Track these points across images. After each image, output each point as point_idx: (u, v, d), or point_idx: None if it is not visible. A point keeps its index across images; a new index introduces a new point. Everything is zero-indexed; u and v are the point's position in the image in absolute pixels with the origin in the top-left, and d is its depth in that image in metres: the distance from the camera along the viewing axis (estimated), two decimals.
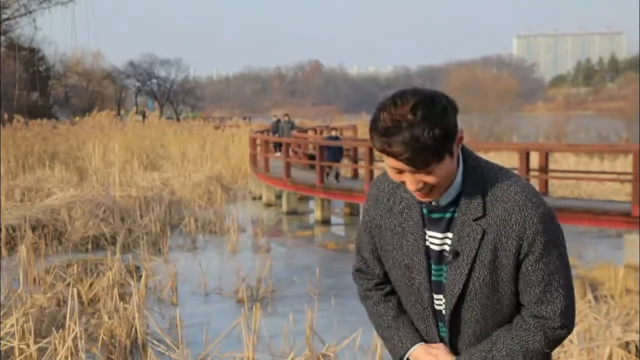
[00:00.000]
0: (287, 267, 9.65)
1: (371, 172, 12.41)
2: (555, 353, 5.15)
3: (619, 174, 13.02)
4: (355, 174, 16.08)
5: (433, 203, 1.76)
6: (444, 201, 1.74)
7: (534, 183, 11.16)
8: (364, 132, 28.77)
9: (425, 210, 1.78)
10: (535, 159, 13.41)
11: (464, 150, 1.75)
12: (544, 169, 11.71)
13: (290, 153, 17.20)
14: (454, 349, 1.81)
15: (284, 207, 14.89)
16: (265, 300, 7.83)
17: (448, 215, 1.75)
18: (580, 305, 5.99)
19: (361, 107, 69.42)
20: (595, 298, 6.62)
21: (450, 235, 1.76)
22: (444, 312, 1.80)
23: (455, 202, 1.74)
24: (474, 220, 1.71)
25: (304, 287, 8.14)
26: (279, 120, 22.83)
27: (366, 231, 1.92)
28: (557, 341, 1.80)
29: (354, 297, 7.52)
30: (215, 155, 22.43)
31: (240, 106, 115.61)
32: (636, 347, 5.06)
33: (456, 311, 1.77)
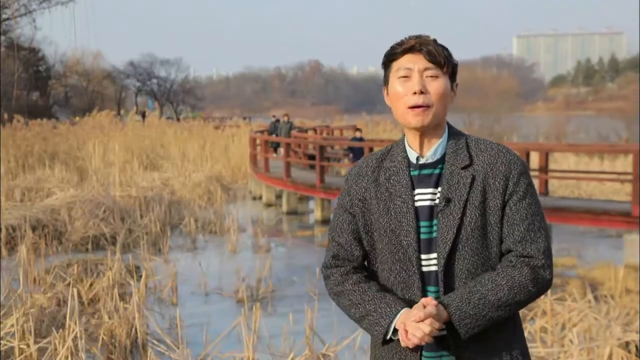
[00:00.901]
0: (287, 267, 9.65)
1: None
2: (555, 353, 5.15)
3: (619, 174, 13.02)
4: None
5: (422, 161, 1.85)
6: (432, 157, 1.85)
7: (534, 183, 11.14)
8: (364, 132, 28.76)
9: (415, 172, 1.86)
10: (535, 159, 13.43)
11: (448, 123, 1.91)
12: (544, 168, 11.71)
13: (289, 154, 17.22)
14: None
15: (284, 207, 14.89)
16: (265, 300, 7.83)
17: (437, 171, 1.85)
18: (580, 305, 5.99)
19: (361, 107, 69.44)
20: (595, 298, 6.61)
21: (437, 190, 1.83)
22: (435, 268, 1.80)
23: (442, 160, 1.86)
24: (462, 168, 1.83)
25: (304, 287, 8.14)
26: (277, 121, 22.78)
27: (345, 213, 1.94)
28: (541, 283, 1.79)
29: None
30: (215, 155, 22.43)
31: (240, 106, 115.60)
32: (636, 347, 5.06)
33: (448, 264, 1.79)
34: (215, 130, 29.51)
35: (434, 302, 1.74)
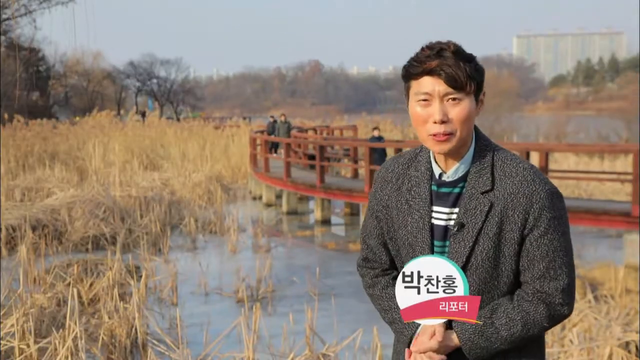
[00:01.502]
0: (287, 267, 9.65)
1: (371, 172, 12.40)
2: (555, 353, 5.14)
3: (619, 174, 13.02)
4: (356, 174, 16.08)
5: (443, 178, 1.80)
6: (453, 176, 1.79)
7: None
8: (364, 132, 28.77)
9: (434, 187, 1.81)
10: (535, 159, 13.42)
11: (477, 130, 1.81)
12: (544, 169, 11.69)
13: (289, 154, 17.19)
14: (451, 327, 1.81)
15: (284, 207, 14.89)
16: (265, 300, 7.83)
17: (457, 190, 1.79)
18: (580, 305, 5.99)
19: (361, 107, 69.39)
20: (595, 298, 6.62)
21: (454, 210, 1.78)
22: None
23: (464, 178, 1.79)
24: (482, 193, 1.75)
25: (304, 287, 8.14)
26: (275, 121, 22.67)
27: (372, 216, 1.94)
28: (558, 318, 1.79)
29: (354, 297, 7.53)
30: (215, 155, 22.42)
31: (240, 106, 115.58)
32: (636, 347, 5.06)
33: None
34: (215, 130, 29.49)
35: (441, 331, 1.75)
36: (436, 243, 1.80)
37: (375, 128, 15.97)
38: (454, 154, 1.78)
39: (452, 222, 1.78)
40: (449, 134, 1.72)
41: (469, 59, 1.73)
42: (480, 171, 1.77)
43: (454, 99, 1.71)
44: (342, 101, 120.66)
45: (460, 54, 1.72)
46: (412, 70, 1.74)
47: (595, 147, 18.03)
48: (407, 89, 1.79)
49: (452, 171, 1.79)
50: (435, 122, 1.72)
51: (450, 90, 1.70)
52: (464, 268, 1.75)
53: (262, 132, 22.43)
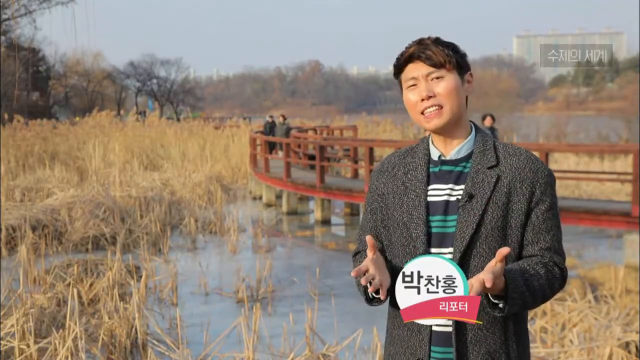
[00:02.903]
0: (287, 267, 9.65)
1: (371, 172, 12.39)
2: (555, 353, 5.15)
3: (619, 174, 13.02)
4: (356, 174, 16.08)
5: (444, 158, 1.87)
6: (456, 155, 1.87)
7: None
8: (364, 132, 28.78)
9: (434, 169, 1.88)
10: None
11: (476, 125, 1.93)
12: None
13: (289, 154, 17.19)
14: None
15: (284, 207, 14.89)
16: (265, 300, 7.83)
17: (459, 169, 1.86)
18: (580, 305, 6.00)
19: (361, 107, 69.37)
20: (595, 298, 6.62)
21: (457, 187, 1.83)
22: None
23: (466, 159, 1.87)
24: (488, 168, 1.83)
25: (304, 287, 8.15)
26: (273, 121, 22.53)
27: (368, 211, 2.00)
28: (561, 287, 1.86)
29: (354, 297, 7.51)
30: (215, 155, 22.42)
31: (240, 106, 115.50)
32: (636, 347, 5.06)
33: (464, 259, 1.78)
34: (215, 130, 29.47)
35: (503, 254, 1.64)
36: (432, 218, 1.83)
37: (487, 116, 12.95)
38: (453, 133, 1.87)
39: (453, 198, 1.82)
40: (438, 108, 1.82)
41: (448, 44, 1.86)
42: (484, 151, 1.86)
43: (437, 78, 1.83)
44: (342, 101, 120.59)
45: (439, 41, 1.86)
46: (397, 62, 1.88)
47: (595, 147, 18.02)
48: (400, 84, 1.92)
49: (455, 151, 1.87)
50: (423, 100, 1.83)
51: (431, 69, 1.82)
52: (474, 236, 1.78)
53: (261, 132, 22.41)
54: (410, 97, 1.86)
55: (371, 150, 12.95)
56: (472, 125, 1.92)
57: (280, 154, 18.98)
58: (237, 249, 10.75)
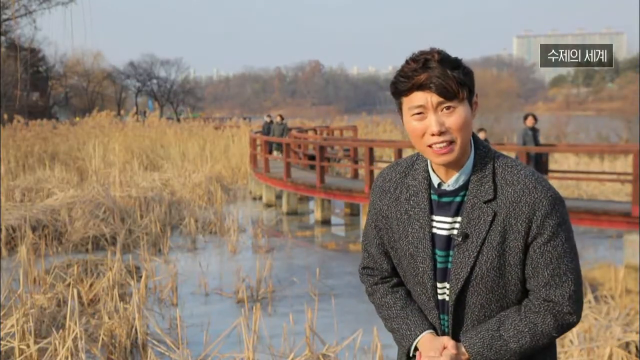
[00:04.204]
0: (287, 267, 9.65)
1: (371, 172, 12.41)
2: None
3: (619, 174, 13.02)
4: (356, 174, 16.08)
5: (443, 187, 1.78)
6: (454, 185, 1.77)
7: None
8: (364, 132, 28.78)
9: (435, 197, 1.80)
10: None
11: (475, 137, 1.80)
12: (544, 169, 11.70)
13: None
14: (456, 338, 1.80)
15: (284, 208, 14.89)
16: (265, 300, 7.83)
17: (458, 199, 1.78)
18: None
19: (361, 107, 69.36)
20: (595, 298, 6.62)
21: (456, 219, 1.77)
22: (447, 299, 1.79)
23: (465, 187, 1.77)
24: (485, 202, 1.74)
25: (304, 287, 8.15)
26: (271, 122, 22.43)
27: (372, 226, 1.93)
28: (566, 327, 1.78)
29: (354, 297, 7.53)
30: (215, 155, 22.42)
31: (240, 106, 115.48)
32: (636, 347, 5.06)
33: (461, 296, 1.76)
34: (215, 131, 29.46)
35: (452, 344, 1.76)
36: (438, 252, 1.79)
37: (528, 116, 12.54)
38: (454, 164, 1.76)
39: (455, 232, 1.77)
40: (450, 144, 1.70)
41: (456, 65, 1.70)
42: (481, 179, 1.75)
43: (448, 108, 1.69)
44: (342, 101, 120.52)
45: (446, 62, 1.68)
46: (401, 86, 1.71)
47: (595, 148, 18.02)
48: (399, 105, 1.77)
49: (453, 180, 1.77)
50: (433, 135, 1.70)
51: (442, 100, 1.68)
52: (469, 279, 1.74)
53: (261, 132, 22.39)
54: (416, 125, 1.72)
55: (371, 150, 12.94)
56: (473, 144, 1.79)
57: (276, 153, 18.96)
58: (237, 249, 10.75)
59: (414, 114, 1.71)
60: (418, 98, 1.69)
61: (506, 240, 1.72)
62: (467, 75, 1.71)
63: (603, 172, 14.50)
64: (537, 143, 12.18)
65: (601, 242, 11.32)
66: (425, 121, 1.70)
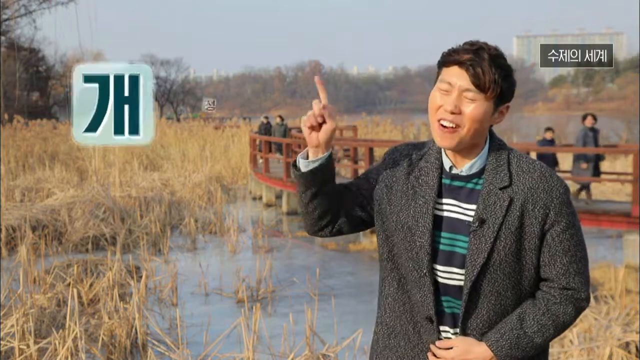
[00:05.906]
0: (287, 267, 9.65)
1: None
2: (555, 353, 5.15)
3: (619, 174, 13.01)
4: (356, 174, 16.08)
5: (456, 172, 1.80)
6: (468, 171, 1.79)
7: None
8: (364, 132, 28.76)
9: (446, 180, 1.81)
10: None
11: (491, 132, 1.82)
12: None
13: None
14: (467, 325, 1.78)
15: (284, 208, 14.89)
16: (265, 300, 7.84)
17: (470, 185, 1.79)
18: None
19: (361, 107, 69.38)
20: (595, 298, 6.63)
21: (467, 206, 1.77)
22: (458, 283, 1.77)
23: (478, 174, 1.79)
24: (500, 189, 1.76)
25: (304, 287, 8.15)
26: (268, 123, 22.28)
27: (370, 174, 1.96)
28: (580, 313, 1.82)
29: (354, 297, 7.53)
30: (215, 155, 22.41)
31: (240, 106, 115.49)
32: (636, 347, 5.06)
33: (476, 284, 1.75)
34: (215, 131, 29.46)
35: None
36: (444, 235, 1.78)
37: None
38: (465, 152, 1.78)
39: (464, 217, 1.77)
40: (456, 127, 1.73)
41: (503, 68, 1.73)
42: (497, 167, 1.78)
43: (470, 99, 1.72)
44: (342, 101, 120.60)
45: (495, 59, 1.72)
46: (446, 58, 1.76)
47: (595, 148, 17.98)
48: (437, 75, 1.80)
49: (468, 166, 1.79)
50: (445, 111, 1.73)
51: (471, 87, 1.71)
52: (486, 263, 1.73)
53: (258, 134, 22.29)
54: (438, 98, 1.76)
55: (371, 150, 12.94)
56: (488, 136, 1.82)
57: (277, 154, 18.93)
58: (237, 249, 10.75)
59: (441, 88, 1.75)
60: (453, 73, 1.73)
61: (523, 225, 1.74)
62: (507, 81, 1.74)
63: (603, 172, 14.49)
64: (597, 144, 11.64)
65: (601, 242, 11.32)
66: (446, 98, 1.74)
